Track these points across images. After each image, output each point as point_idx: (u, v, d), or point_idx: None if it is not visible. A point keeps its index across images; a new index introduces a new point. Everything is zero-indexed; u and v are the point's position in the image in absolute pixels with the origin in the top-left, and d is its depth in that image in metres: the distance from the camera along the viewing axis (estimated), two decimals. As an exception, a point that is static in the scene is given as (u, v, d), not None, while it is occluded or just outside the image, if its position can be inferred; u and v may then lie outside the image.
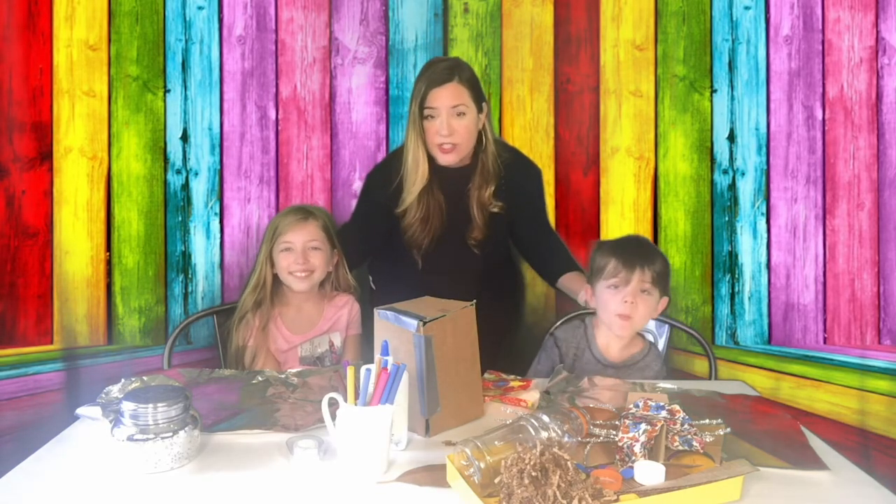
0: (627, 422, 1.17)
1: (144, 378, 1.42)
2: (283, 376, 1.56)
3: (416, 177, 1.88)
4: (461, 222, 1.93)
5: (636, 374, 1.68)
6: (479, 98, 1.89)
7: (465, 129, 1.86)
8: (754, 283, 2.32)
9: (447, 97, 1.83)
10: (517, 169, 1.98)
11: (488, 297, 1.78)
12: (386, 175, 1.96)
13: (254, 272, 1.97)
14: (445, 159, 1.88)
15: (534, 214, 2.04)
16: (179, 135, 2.31)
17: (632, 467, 1.07)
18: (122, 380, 1.40)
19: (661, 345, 1.91)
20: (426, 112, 1.85)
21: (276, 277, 1.95)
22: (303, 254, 1.90)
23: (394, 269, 2.02)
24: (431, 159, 1.89)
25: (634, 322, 1.64)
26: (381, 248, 2.03)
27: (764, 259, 2.32)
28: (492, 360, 1.76)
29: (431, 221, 1.91)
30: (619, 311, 1.63)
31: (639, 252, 1.66)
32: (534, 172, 2.06)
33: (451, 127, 1.84)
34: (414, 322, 1.26)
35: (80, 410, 1.32)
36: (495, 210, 1.92)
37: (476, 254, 1.94)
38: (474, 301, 1.39)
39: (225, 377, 1.58)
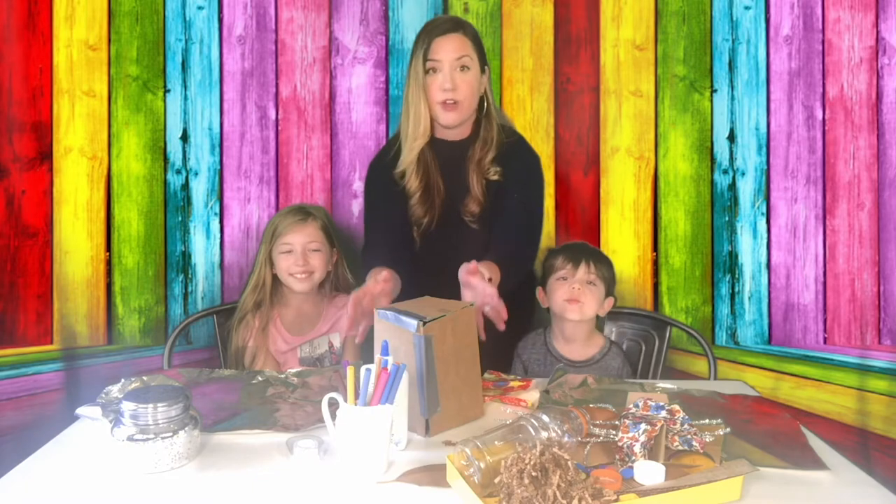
0: (627, 422, 1.17)
1: (144, 378, 1.43)
2: (283, 376, 1.56)
3: (417, 132, 1.79)
4: (460, 197, 1.84)
5: (598, 373, 1.70)
6: (482, 57, 1.83)
7: (468, 86, 1.78)
8: (754, 283, 2.32)
9: (451, 49, 1.76)
10: (516, 145, 1.88)
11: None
12: (384, 161, 1.88)
13: (253, 273, 1.97)
14: (447, 118, 1.79)
15: (514, 203, 1.84)
16: (179, 135, 2.31)
17: (632, 467, 1.07)
18: (122, 380, 1.41)
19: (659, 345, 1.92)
20: (429, 65, 1.77)
21: (275, 278, 1.95)
22: (303, 255, 1.90)
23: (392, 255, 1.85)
24: (432, 122, 1.81)
25: (583, 307, 1.75)
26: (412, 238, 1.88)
27: (764, 259, 2.32)
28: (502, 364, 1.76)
29: (432, 194, 1.83)
30: (568, 297, 1.75)
31: (584, 250, 1.83)
32: (532, 160, 1.93)
33: (454, 81, 1.76)
34: (414, 322, 1.25)
35: (80, 410, 1.32)
36: (494, 178, 1.82)
37: (474, 229, 1.83)
38: (472, 304, 1.39)
39: (225, 377, 1.58)
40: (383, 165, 1.88)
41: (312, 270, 1.92)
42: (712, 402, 1.41)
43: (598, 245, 2.29)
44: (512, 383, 1.52)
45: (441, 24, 1.81)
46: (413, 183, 1.82)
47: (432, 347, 1.25)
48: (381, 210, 1.90)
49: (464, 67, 1.77)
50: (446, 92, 1.76)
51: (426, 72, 1.78)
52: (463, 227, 1.83)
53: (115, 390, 1.37)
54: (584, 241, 2.09)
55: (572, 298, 1.75)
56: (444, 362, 1.28)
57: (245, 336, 1.91)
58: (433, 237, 1.85)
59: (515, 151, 1.88)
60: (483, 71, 1.83)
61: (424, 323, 1.25)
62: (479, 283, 1.45)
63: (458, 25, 1.81)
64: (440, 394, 1.27)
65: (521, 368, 1.82)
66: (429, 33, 1.80)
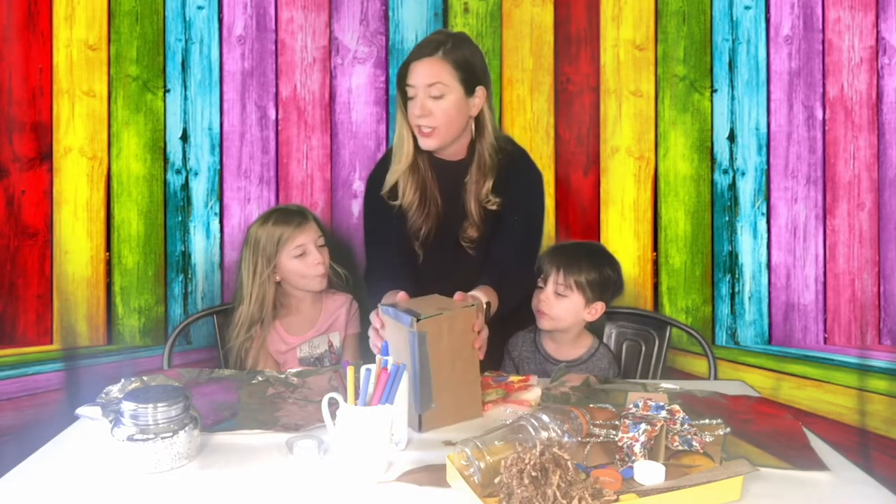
0: (627, 422, 1.17)
1: (144, 378, 1.43)
2: (283, 376, 1.56)
3: (400, 154, 1.76)
4: (457, 221, 1.81)
5: (584, 373, 1.70)
6: (470, 80, 1.70)
7: (444, 113, 1.68)
8: (754, 283, 2.32)
9: (422, 74, 1.66)
10: (516, 166, 1.81)
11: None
12: (381, 179, 1.84)
13: (251, 290, 1.90)
14: (425, 143, 1.72)
15: (511, 225, 1.80)
16: (179, 135, 2.31)
17: (632, 467, 1.07)
18: (122, 380, 1.41)
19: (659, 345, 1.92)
20: (406, 88, 1.70)
21: (277, 287, 1.93)
22: (319, 252, 1.91)
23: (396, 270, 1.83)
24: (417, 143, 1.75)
25: (551, 317, 1.74)
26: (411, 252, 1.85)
27: (764, 259, 2.32)
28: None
29: (429, 205, 1.79)
30: (536, 307, 1.76)
31: (565, 257, 1.77)
32: (533, 180, 1.87)
33: (424, 107, 1.67)
34: (409, 318, 1.27)
35: (80, 410, 1.32)
36: (493, 207, 1.77)
37: (472, 255, 1.80)
38: (474, 304, 1.39)
39: (225, 377, 1.58)
40: (381, 184, 1.84)
41: (327, 265, 1.93)
42: (713, 403, 1.41)
43: (599, 245, 2.28)
44: (511, 378, 1.53)
45: (423, 47, 1.70)
46: (408, 195, 1.79)
47: (426, 344, 1.27)
48: (381, 232, 1.86)
49: (437, 95, 1.67)
50: (416, 118, 1.70)
51: (405, 96, 1.72)
52: (461, 253, 1.81)
53: (115, 390, 1.37)
54: (577, 242, 2.03)
55: (539, 310, 1.75)
56: (439, 360, 1.29)
57: (244, 343, 1.90)
58: (434, 253, 1.83)
59: (517, 169, 1.82)
60: (472, 93, 1.72)
61: (418, 319, 1.26)
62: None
63: (439, 47, 1.68)
64: (434, 390, 1.28)
65: (511, 365, 1.82)
66: (411, 55, 1.72)
